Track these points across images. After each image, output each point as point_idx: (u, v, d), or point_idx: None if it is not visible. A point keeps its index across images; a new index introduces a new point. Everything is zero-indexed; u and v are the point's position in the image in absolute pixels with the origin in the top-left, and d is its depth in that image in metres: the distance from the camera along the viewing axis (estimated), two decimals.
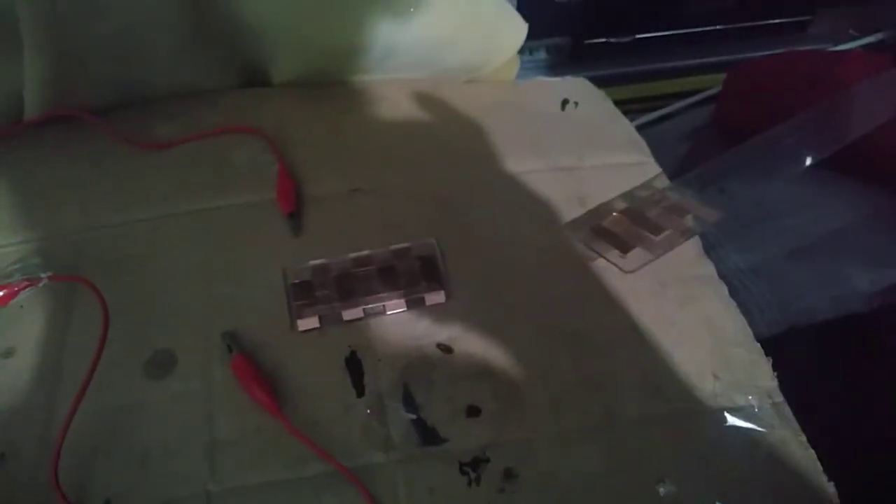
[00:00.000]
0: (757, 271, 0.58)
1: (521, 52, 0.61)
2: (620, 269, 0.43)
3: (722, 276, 0.45)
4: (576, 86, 0.60)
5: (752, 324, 0.43)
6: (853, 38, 0.85)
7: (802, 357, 0.54)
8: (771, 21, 0.83)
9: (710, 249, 0.47)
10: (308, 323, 0.41)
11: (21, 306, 0.42)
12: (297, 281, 0.43)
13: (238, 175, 0.49)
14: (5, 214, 0.47)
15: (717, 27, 0.82)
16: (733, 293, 0.44)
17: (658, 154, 0.53)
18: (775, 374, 0.40)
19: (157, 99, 0.55)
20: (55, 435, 0.35)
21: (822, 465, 0.37)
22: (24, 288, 0.40)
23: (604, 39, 0.80)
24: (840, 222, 0.60)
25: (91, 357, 0.38)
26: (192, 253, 0.45)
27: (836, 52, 0.80)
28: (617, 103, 0.59)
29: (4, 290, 0.40)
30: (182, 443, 0.36)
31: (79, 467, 0.35)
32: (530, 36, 0.59)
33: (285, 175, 0.48)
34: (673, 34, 0.81)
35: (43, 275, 0.40)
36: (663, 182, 0.50)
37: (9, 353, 0.40)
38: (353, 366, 0.39)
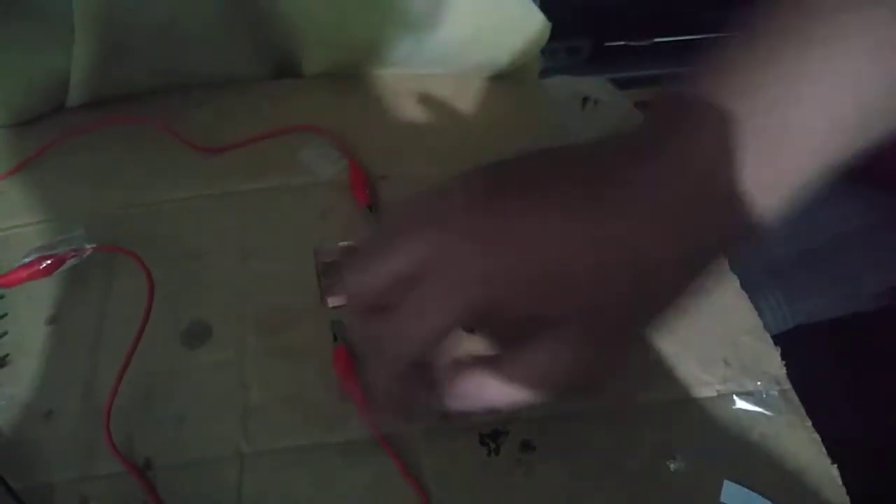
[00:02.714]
0: (767, 270, 0.60)
1: (542, 52, 0.63)
2: None
3: (732, 273, 0.47)
4: (596, 85, 0.61)
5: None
6: None
7: (809, 354, 0.56)
8: None
9: None
10: (337, 300, 0.43)
11: (64, 277, 0.44)
12: (327, 261, 0.45)
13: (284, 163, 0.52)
14: (50, 192, 0.49)
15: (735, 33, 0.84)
16: (743, 290, 0.46)
17: None
18: (784, 362, 0.42)
19: (193, 87, 0.57)
20: (97, 396, 0.38)
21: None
22: (69, 258, 0.42)
23: (623, 42, 0.82)
24: (850, 224, 0.62)
25: (129, 324, 0.40)
26: (227, 231, 0.47)
27: None
28: (635, 105, 0.61)
29: (51, 260, 0.42)
30: (217, 408, 0.38)
31: (120, 427, 0.37)
32: (552, 37, 0.61)
33: (357, 169, 0.50)
34: (692, 39, 0.83)
35: (88, 246, 0.42)
36: None
37: (53, 319, 0.42)
38: None
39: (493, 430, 0.38)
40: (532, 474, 0.36)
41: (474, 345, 0.41)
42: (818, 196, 0.63)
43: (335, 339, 0.41)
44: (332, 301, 0.43)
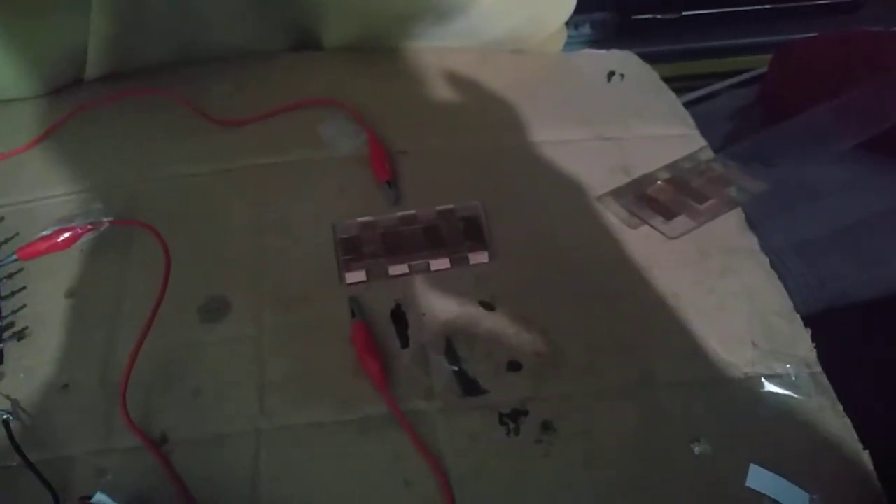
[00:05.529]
0: (797, 250, 0.58)
1: (567, 25, 0.61)
2: (664, 234, 0.44)
3: (763, 253, 0.46)
4: (622, 59, 0.60)
5: None
6: None
7: (838, 336, 0.54)
8: (821, 1, 0.82)
9: (751, 227, 0.47)
10: (355, 276, 0.42)
11: (82, 250, 0.44)
12: (345, 236, 0.44)
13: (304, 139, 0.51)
14: (69, 165, 0.49)
15: (766, 6, 0.81)
16: (773, 270, 0.45)
17: (702, 131, 0.53)
18: (814, 345, 0.41)
19: (211, 60, 0.56)
20: (114, 369, 0.38)
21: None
22: (87, 231, 0.42)
23: (651, 15, 0.80)
24: (882, 204, 0.60)
25: (147, 298, 0.40)
26: (245, 206, 0.46)
27: (887, 32, 0.78)
28: (662, 80, 0.59)
29: (69, 234, 0.41)
30: (234, 383, 0.38)
31: (137, 401, 0.37)
32: (577, 10, 0.59)
33: (377, 144, 0.49)
34: (721, 12, 0.81)
35: (105, 219, 0.42)
36: (707, 154, 0.50)
37: (71, 293, 0.42)
38: (398, 318, 0.41)
39: (513, 410, 0.37)
40: (552, 455, 0.36)
41: (494, 322, 0.41)
42: (851, 174, 0.61)
43: (353, 314, 0.40)
44: (351, 277, 0.42)
